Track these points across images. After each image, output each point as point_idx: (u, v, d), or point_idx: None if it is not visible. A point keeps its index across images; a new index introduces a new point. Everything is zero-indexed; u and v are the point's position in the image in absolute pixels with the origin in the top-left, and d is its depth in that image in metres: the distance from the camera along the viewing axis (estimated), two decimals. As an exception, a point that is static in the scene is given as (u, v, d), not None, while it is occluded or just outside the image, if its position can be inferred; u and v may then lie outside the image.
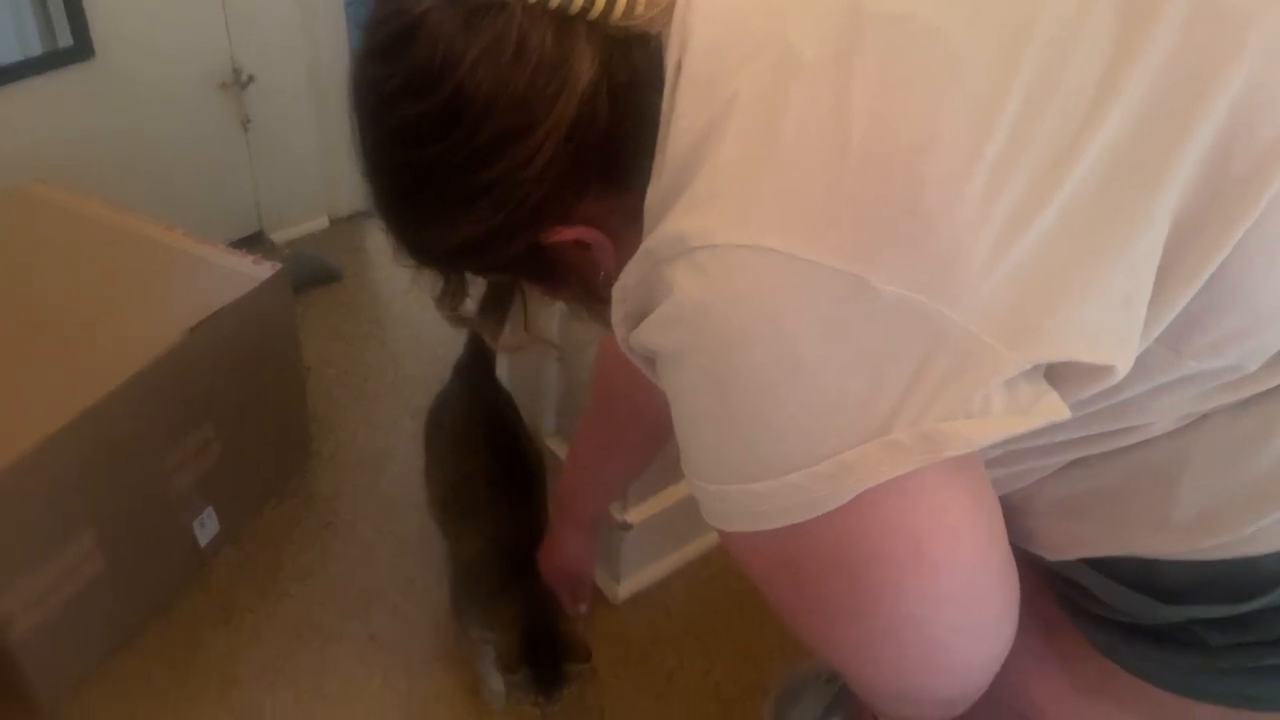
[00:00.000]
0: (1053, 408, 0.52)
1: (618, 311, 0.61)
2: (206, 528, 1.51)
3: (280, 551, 1.57)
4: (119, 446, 1.28)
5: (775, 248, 0.49)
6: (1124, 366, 0.52)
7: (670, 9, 0.57)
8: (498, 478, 1.34)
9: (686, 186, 0.54)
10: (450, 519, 1.38)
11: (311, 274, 2.11)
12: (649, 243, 0.55)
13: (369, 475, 1.71)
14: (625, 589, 1.54)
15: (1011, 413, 0.50)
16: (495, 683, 1.35)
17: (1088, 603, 0.72)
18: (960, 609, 0.56)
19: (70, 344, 1.31)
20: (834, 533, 0.53)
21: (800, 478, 0.51)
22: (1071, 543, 0.67)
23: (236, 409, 1.48)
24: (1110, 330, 0.52)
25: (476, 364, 1.48)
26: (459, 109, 0.56)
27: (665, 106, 0.56)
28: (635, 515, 1.46)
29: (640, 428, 1.07)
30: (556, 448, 1.57)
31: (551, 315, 1.20)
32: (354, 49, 0.64)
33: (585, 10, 0.56)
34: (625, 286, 0.59)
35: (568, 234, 0.61)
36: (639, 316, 0.58)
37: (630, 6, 0.57)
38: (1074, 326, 0.50)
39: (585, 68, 0.56)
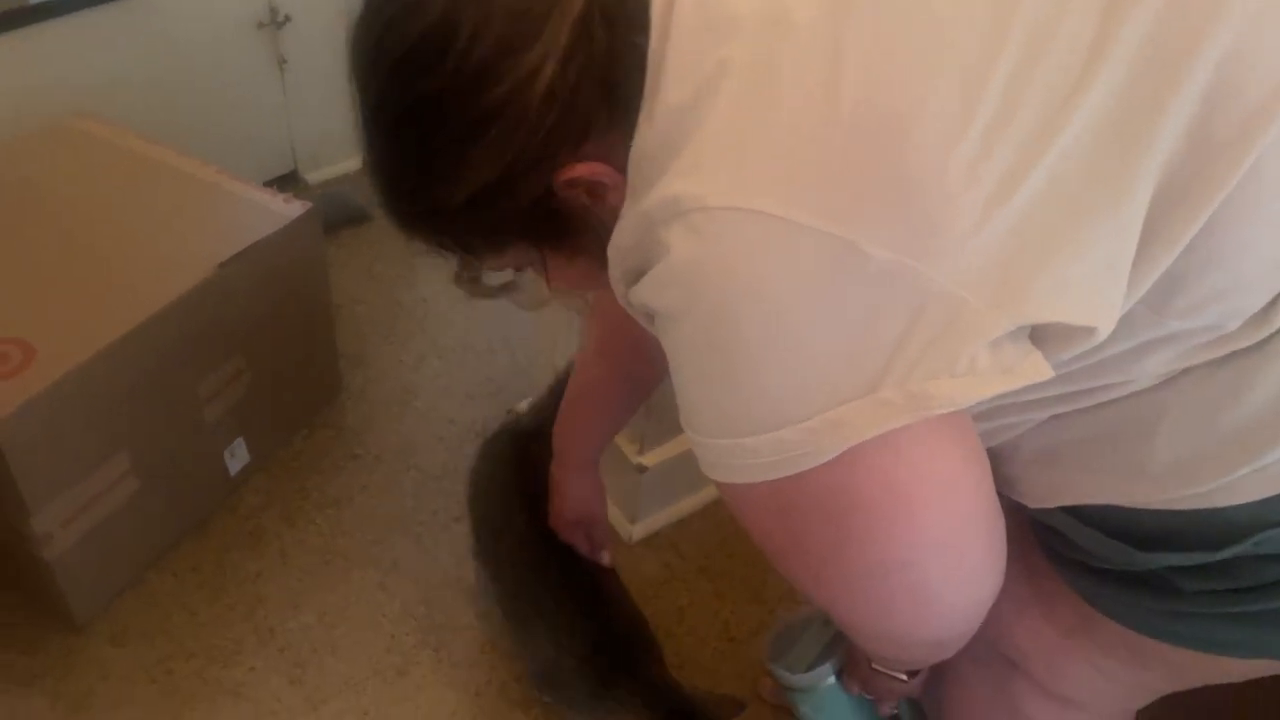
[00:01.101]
0: (1037, 368, 0.54)
1: (615, 270, 0.62)
2: (237, 457, 1.56)
3: (308, 481, 1.62)
4: (152, 374, 1.33)
5: (768, 210, 0.50)
6: (1107, 328, 0.54)
7: None
8: (553, 575, 1.24)
9: (681, 148, 0.54)
10: (513, 614, 1.30)
11: (343, 214, 2.14)
12: (644, 205, 0.56)
13: (395, 410, 1.75)
14: (640, 529, 1.58)
15: (996, 372, 0.52)
16: None
17: (1068, 550, 0.74)
18: (947, 556, 0.58)
19: (106, 274, 1.36)
20: (824, 484, 0.55)
21: (792, 433, 0.53)
22: (1052, 491, 0.69)
23: (267, 343, 1.52)
24: (1094, 292, 0.53)
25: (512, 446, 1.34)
26: (452, 24, 0.56)
27: (655, 51, 0.56)
28: (651, 458, 1.49)
29: (640, 361, 1.08)
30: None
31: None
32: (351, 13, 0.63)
33: None
34: (621, 247, 0.60)
35: (581, 169, 0.59)
36: (637, 274, 0.59)
37: None
38: (1059, 289, 0.51)
39: None
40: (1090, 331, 0.54)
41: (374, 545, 1.54)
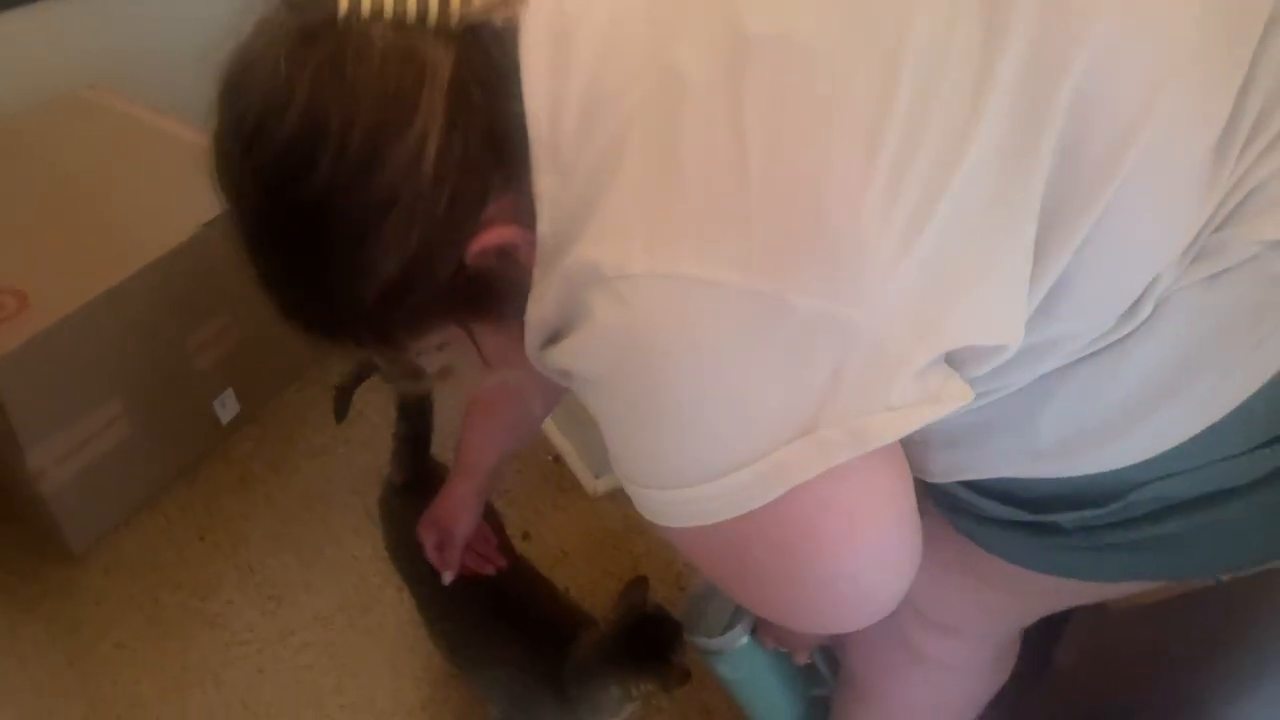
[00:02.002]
0: (959, 392, 0.57)
1: (533, 336, 0.60)
2: (227, 407, 1.66)
3: (295, 431, 1.72)
4: (142, 325, 1.43)
5: (691, 275, 0.51)
6: (1015, 343, 0.57)
7: (509, 1, 0.57)
8: (501, 617, 1.19)
9: (590, 213, 0.54)
10: (465, 665, 1.28)
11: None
12: (562, 269, 0.55)
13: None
14: (603, 484, 1.65)
15: (925, 402, 0.54)
16: None
17: (955, 501, 0.77)
18: (886, 558, 0.61)
19: (99, 232, 1.46)
20: (772, 519, 0.56)
21: (735, 479, 0.54)
22: (950, 469, 0.71)
23: (254, 301, 1.61)
24: (1003, 312, 0.56)
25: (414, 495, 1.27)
26: (318, 122, 0.54)
27: (547, 121, 0.55)
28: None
29: (520, 410, 1.10)
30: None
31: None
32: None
33: (423, 16, 0.55)
34: (544, 317, 0.58)
35: (490, 237, 0.58)
36: (552, 337, 0.59)
37: (465, 2, 0.56)
38: (972, 314, 0.55)
39: (441, 57, 0.55)
40: (1002, 349, 0.57)
41: (352, 494, 1.63)
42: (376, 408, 1.77)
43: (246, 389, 1.68)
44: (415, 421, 1.28)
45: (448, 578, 1.14)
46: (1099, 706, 1.33)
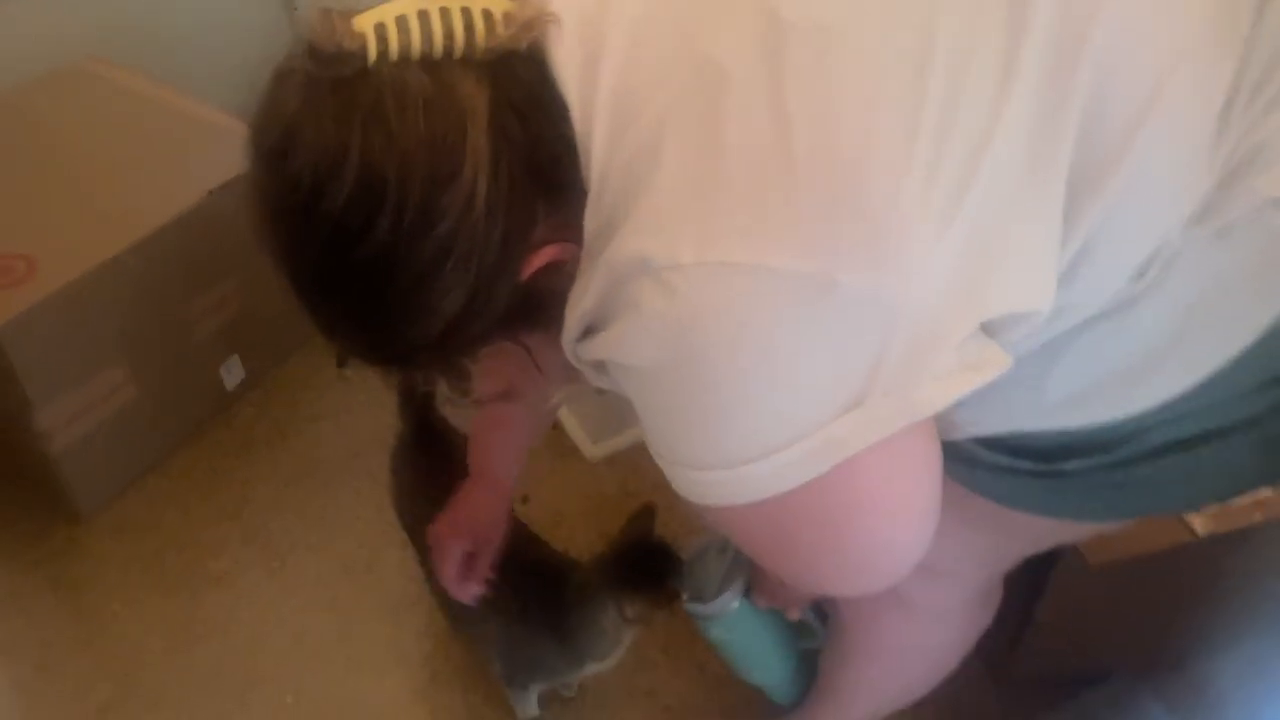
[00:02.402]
0: (998, 358, 0.60)
1: (571, 330, 0.62)
2: (232, 373, 1.69)
3: (298, 398, 1.75)
4: (146, 291, 1.46)
5: (741, 261, 0.53)
6: (1048, 308, 0.60)
7: (531, 23, 0.58)
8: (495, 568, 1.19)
9: (632, 207, 0.55)
10: (464, 621, 1.29)
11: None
12: (606, 259, 0.56)
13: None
14: (601, 450, 1.68)
15: (967, 369, 0.58)
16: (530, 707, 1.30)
17: (958, 452, 0.77)
18: (920, 524, 0.65)
19: (104, 200, 1.49)
20: (819, 493, 0.58)
21: (787, 455, 0.56)
22: (960, 427, 0.73)
23: (258, 269, 1.62)
24: (1036, 279, 0.59)
25: (418, 451, 1.31)
26: (375, 180, 0.54)
27: (581, 130, 0.57)
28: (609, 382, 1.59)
29: (527, 416, 1.12)
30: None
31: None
32: (250, 176, 0.60)
33: (449, 50, 0.56)
34: (584, 311, 0.60)
35: (540, 259, 0.59)
36: (590, 330, 0.61)
37: (490, 29, 0.57)
38: (1008, 283, 0.58)
39: (476, 93, 0.55)
40: (1035, 314, 0.59)
41: (354, 458, 1.67)
42: (378, 374, 1.80)
43: (251, 356, 1.71)
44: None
45: (473, 590, 1.11)
46: (1079, 661, 1.37)
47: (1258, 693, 1.33)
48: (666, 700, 1.38)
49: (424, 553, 1.30)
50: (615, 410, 1.64)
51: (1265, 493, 1.23)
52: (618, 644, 1.18)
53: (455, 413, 1.33)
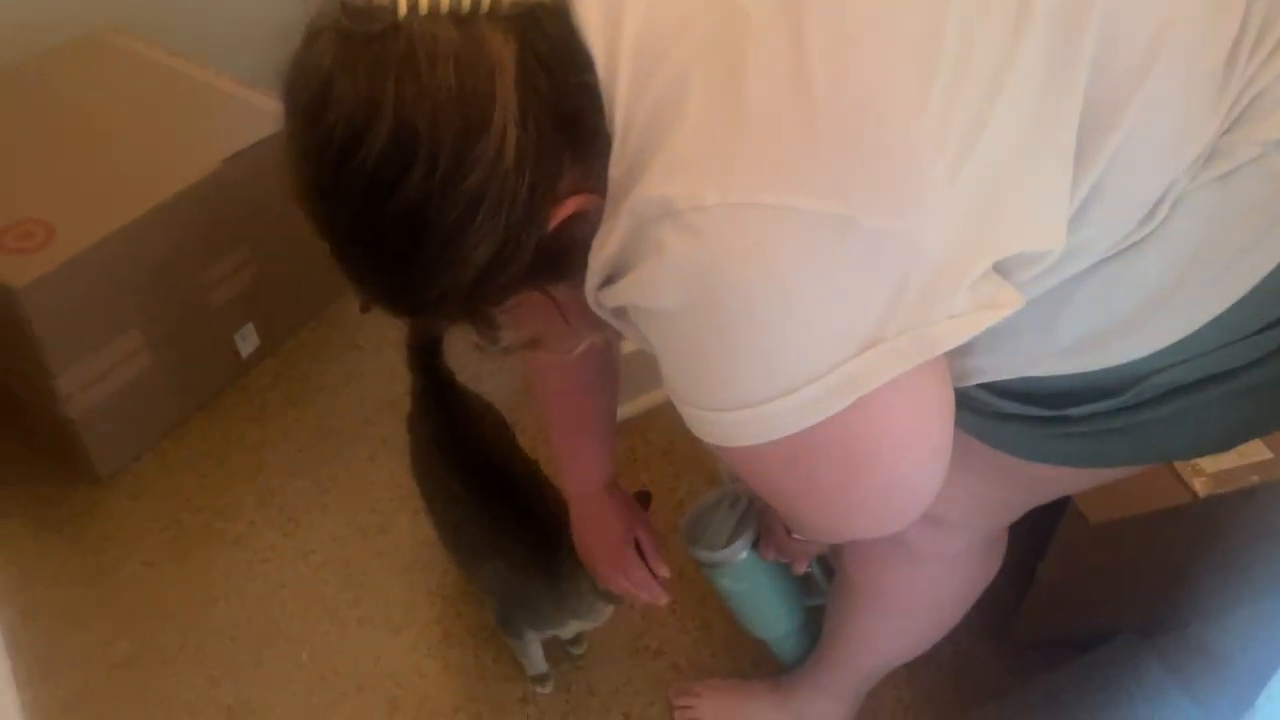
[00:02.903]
0: (1011, 298, 0.61)
1: (594, 276, 0.63)
2: (247, 341, 1.72)
3: (312, 366, 1.78)
4: (162, 257, 1.49)
5: (765, 202, 0.54)
6: (1060, 248, 0.61)
7: None
8: (489, 511, 1.25)
9: (656, 151, 0.56)
10: (469, 563, 1.33)
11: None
12: (629, 204, 0.57)
13: (394, 307, 1.90)
14: (610, 416, 1.71)
15: (982, 308, 0.59)
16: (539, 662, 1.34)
17: (967, 401, 0.78)
18: (935, 462, 0.66)
19: (121, 167, 1.52)
20: (838, 430, 0.60)
21: (807, 393, 0.58)
22: (971, 374, 0.74)
23: (273, 239, 1.67)
24: (1048, 219, 0.61)
25: (430, 402, 1.34)
26: (407, 132, 0.55)
27: (606, 80, 0.58)
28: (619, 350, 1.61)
29: (602, 385, 1.11)
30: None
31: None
32: (286, 131, 0.61)
33: (477, 5, 0.57)
34: (605, 255, 0.61)
35: (566, 210, 0.61)
36: (613, 276, 0.62)
37: None
38: (1021, 224, 0.59)
39: (504, 47, 0.56)
40: (1047, 254, 0.61)
41: (366, 424, 1.69)
42: (390, 343, 1.82)
43: (265, 325, 1.73)
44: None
45: (664, 569, 1.11)
46: (1081, 622, 1.39)
47: (1258, 654, 1.35)
48: (674, 658, 1.40)
49: (434, 509, 1.33)
50: (624, 377, 1.65)
51: (1264, 454, 1.24)
52: (597, 609, 1.21)
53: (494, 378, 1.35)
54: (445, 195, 0.56)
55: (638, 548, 1.12)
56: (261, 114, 1.61)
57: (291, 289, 1.78)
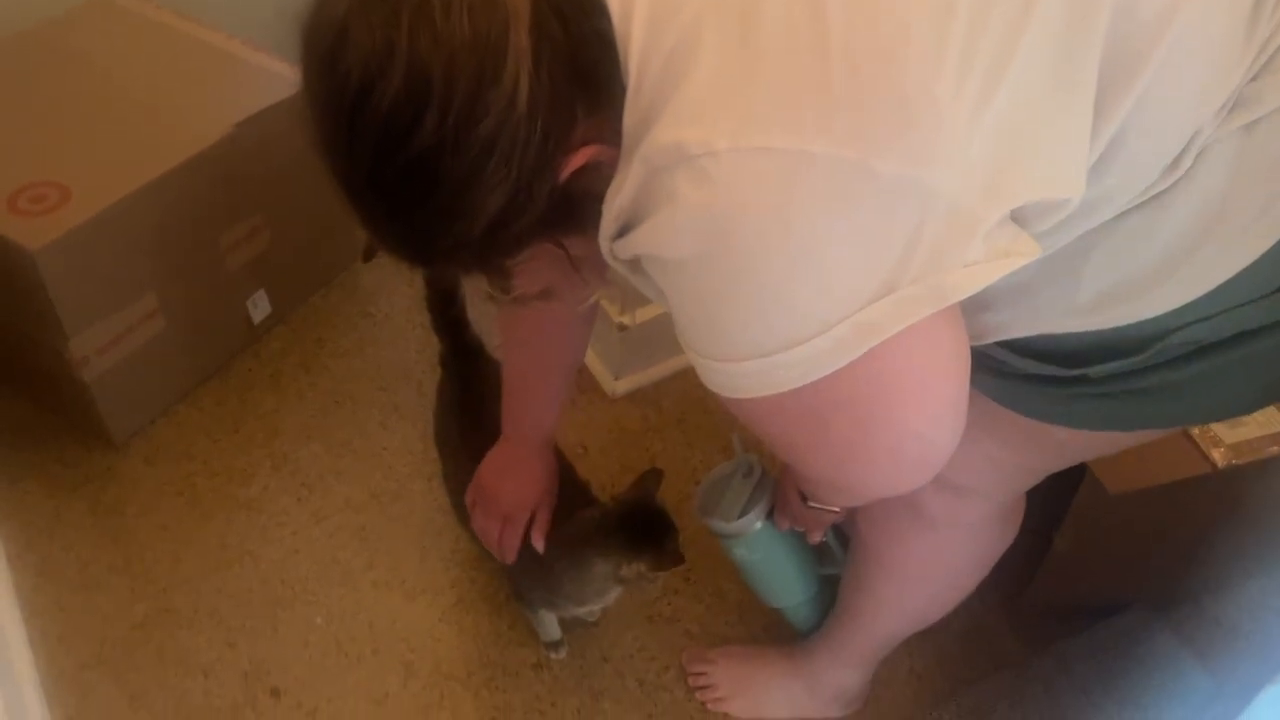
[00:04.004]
0: (1028, 247, 0.61)
1: (608, 227, 0.63)
2: (259, 308, 1.71)
3: (324, 333, 1.78)
4: (176, 221, 1.48)
5: (779, 146, 0.53)
6: (1078, 196, 0.61)
7: None
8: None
9: (669, 98, 0.56)
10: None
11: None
12: (643, 152, 0.57)
13: (406, 275, 1.89)
14: (622, 385, 1.70)
15: (998, 257, 0.59)
16: (552, 629, 1.35)
17: (986, 361, 0.79)
18: (950, 416, 0.66)
19: (135, 130, 1.50)
20: (851, 380, 0.59)
21: (821, 342, 0.57)
22: (990, 330, 0.74)
23: (286, 205, 1.66)
24: (1066, 167, 0.60)
25: (452, 369, 1.37)
26: (421, 78, 0.56)
27: (618, 21, 0.58)
28: (631, 318, 1.60)
29: (562, 349, 1.13)
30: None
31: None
32: (302, 81, 0.61)
33: None
34: (618, 205, 0.61)
35: (578, 160, 0.61)
36: (626, 227, 0.62)
37: None
38: (1039, 171, 0.59)
39: None
40: (1066, 203, 0.61)
41: (379, 391, 1.69)
42: (401, 310, 1.83)
43: (277, 291, 1.73)
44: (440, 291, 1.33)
45: (511, 557, 1.19)
46: (1096, 592, 1.39)
47: (1273, 626, 1.35)
48: (688, 625, 1.41)
49: (452, 478, 1.33)
50: (636, 347, 1.65)
51: (1284, 426, 1.24)
52: (602, 595, 1.21)
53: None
54: (458, 142, 0.56)
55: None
56: (273, 78, 1.60)
57: (304, 256, 1.77)
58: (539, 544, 1.19)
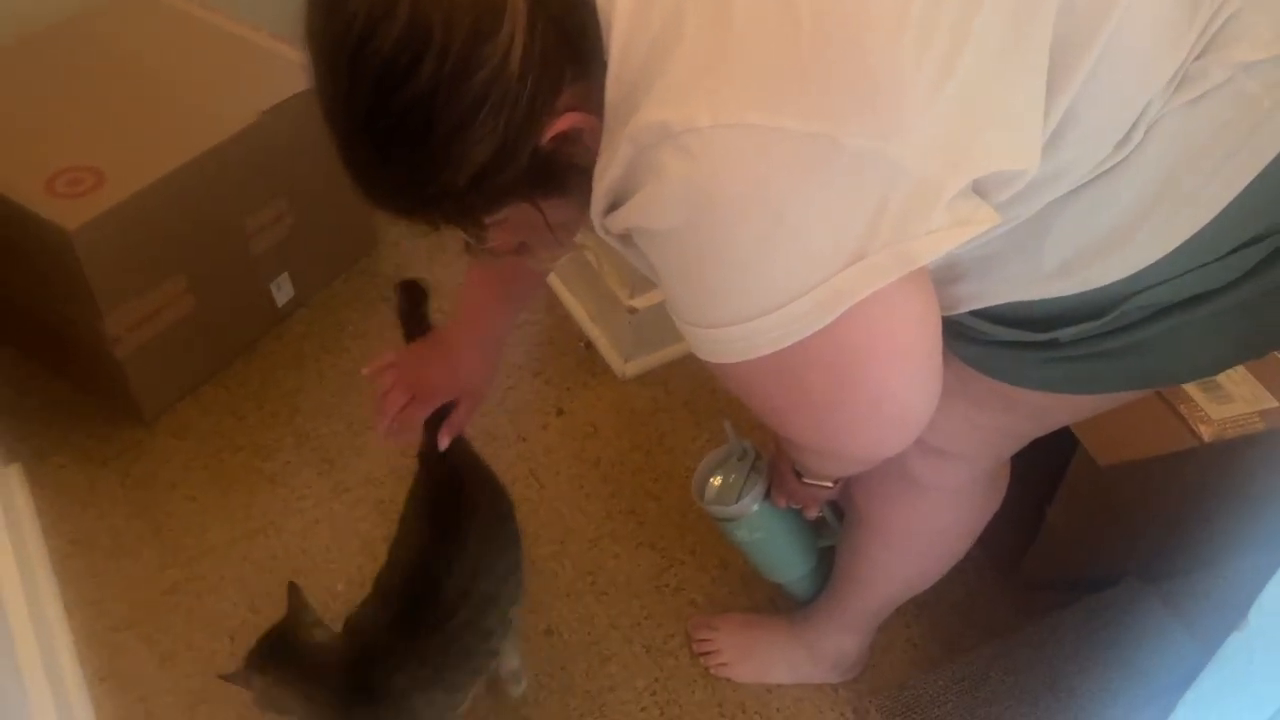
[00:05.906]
0: (987, 216, 0.65)
1: (599, 203, 0.67)
2: (283, 291, 1.78)
3: (344, 317, 1.84)
4: (205, 205, 1.55)
5: (754, 123, 0.57)
6: (1034, 168, 0.65)
7: None
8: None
9: (654, 80, 0.60)
10: None
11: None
12: (630, 131, 0.61)
13: (424, 261, 1.95)
14: (632, 368, 1.75)
15: (958, 224, 0.63)
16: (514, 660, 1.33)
17: (961, 330, 0.84)
18: (924, 379, 0.71)
19: (165, 118, 1.57)
20: (827, 343, 0.64)
21: (796, 307, 0.62)
22: (964, 300, 0.79)
23: (309, 191, 1.72)
24: (1023, 139, 0.64)
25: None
26: (422, 25, 0.58)
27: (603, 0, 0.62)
28: (641, 301, 1.65)
29: (519, 281, 1.17)
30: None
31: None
32: (306, 27, 0.64)
33: None
34: (607, 181, 0.64)
35: (563, 123, 0.64)
36: (616, 202, 0.65)
37: None
38: (998, 143, 0.63)
39: None
40: (1023, 174, 0.65)
41: (399, 371, 1.75)
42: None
43: (300, 275, 1.79)
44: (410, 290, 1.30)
45: (444, 443, 1.14)
46: (1089, 564, 1.43)
47: (1253, 594, 1.38)
48: (693, 595, 1.46)
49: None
50: (645, 331, 1.70)
51: (1270, 401, 1.28)
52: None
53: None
54: (452, 91, 0.59)
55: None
56: (297, 69, 1.62)
57: (326, 242, 1.83)
58: (444, 442, 1.13)
